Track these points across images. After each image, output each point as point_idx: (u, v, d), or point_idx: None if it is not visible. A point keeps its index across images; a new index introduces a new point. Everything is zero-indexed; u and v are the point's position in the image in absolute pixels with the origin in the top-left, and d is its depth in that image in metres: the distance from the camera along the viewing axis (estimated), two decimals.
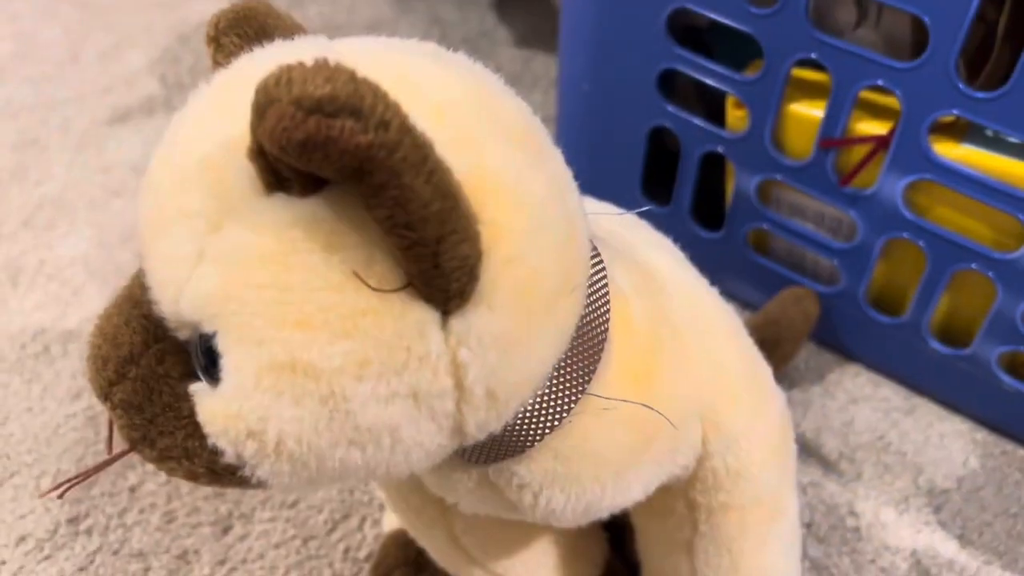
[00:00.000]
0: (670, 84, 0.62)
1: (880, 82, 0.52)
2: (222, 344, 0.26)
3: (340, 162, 0.23)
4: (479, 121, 0.28)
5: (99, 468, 0.30)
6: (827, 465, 0.58)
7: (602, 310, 0.33)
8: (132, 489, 0.52)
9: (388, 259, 0.25)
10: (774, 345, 0.60)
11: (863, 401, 0.62)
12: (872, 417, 0.61)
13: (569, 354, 0.31)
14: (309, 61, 0.23)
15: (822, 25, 0.54)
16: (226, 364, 0.26)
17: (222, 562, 0.50)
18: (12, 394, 0.57)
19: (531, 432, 0.31)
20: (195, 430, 0.28)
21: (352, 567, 0.50)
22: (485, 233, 0.26)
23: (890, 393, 0.63)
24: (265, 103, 0.23)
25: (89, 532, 0.50)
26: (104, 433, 0.54)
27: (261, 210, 0.26)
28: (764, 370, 0.39)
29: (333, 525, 0.52)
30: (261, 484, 0.29)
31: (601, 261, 0.34)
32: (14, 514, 0.51)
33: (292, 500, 0.53)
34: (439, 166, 0.24)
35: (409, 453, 0.28)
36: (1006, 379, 0.57)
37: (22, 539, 0.50)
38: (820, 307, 0.61)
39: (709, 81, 0.58)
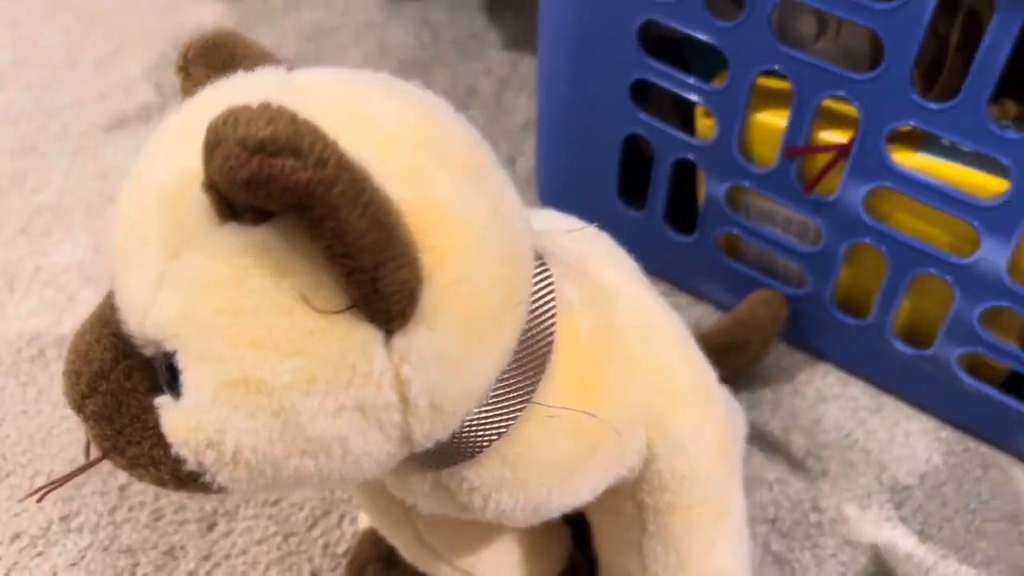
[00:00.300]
0: (646, 92, 0.64)
1: (840, 93, 0.53)
2: (182, 362, 0.29)
3: (282, 198, 0.25)
4: (426, 152, 0.30)
5: (74, 474, 0.33)
6: (794, 462, 0.60)
7: (547, 323, 0.34)
8: (121, 488, 0.55)
9: (333, 283, 0.27)
10: (743, 345, 0.62)
11: (832, 400, 0.64)
12: (840, 416, 0.63)
13: (513, 365, 0.33)
14: (255, 103, 0.25)
15: (784, 37, 0.55)
16: (186, 380, 0.29)
17: (207, 557, 0.52)
18: (8, 397, 0.60)
19: (478, 440, 0.34)
20: (160, 440, 0.30)
21: (331, 562, 0.52)
22: (427, 259, 0.28)
23: (858, 392, 0.65)
24: (214, 143, 0.25)
25: (80, 529, 0.53)
26: None
27: (216, 238, 0.28)
28: (710, 377, 0.41)
29: (313, 522, 0.54)
30: (222, 490, 0.31)
31: (549, 276, 0.35)
32: (9, 512, 0.53)
33: (274, 499, 0.55)
34: (376, 198, 0.26)
35: (359, 461, 0.31)
36: (966, 379, 0.59)
37: (16, 536, 0.52)
38: (789, 309, 0.63)
39: (678, 91, 0.60)
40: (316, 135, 0.25)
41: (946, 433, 0.62)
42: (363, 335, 0.28)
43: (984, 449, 0.62)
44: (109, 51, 0.92)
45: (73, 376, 0.31)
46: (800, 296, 0.63)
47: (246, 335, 0.28)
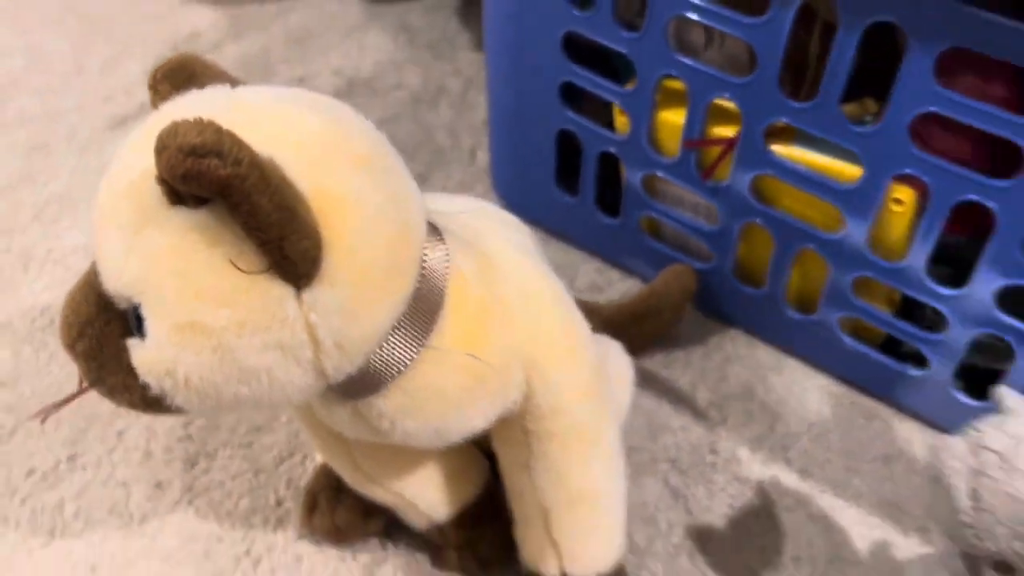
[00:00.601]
0: (580, 93, 0.73)
1: (726, 95, 0.62)
2: (145, 312, 0.38)
3: (209, 188, 0.35)
4: (330, 152, 0.39)
5: (69, 400, 0.43)
6: (697, 413, 0.69)
7: (439, 285, 0.44)
8: (120, 433, 0.65)
9: (253, 251, 0.37)
10: (657, 313, 0.71)
11: (737, 361, 0.73)
12: (743, 373, 0.72)
13: (408, 316, 0.42)
14: (192, 118, 0.35)
15: (680, 46, 0.64)
16: (148, 326, 0.38)
17: (189, 489, 0.62)
18: (24, 361, 0.70)
19: (382, 375, 0.43)
20: (131, 372, 0.40)
21: (293, 493, 0.62)
22: (327, 234, 0.38)
23: (763, 355, 0.74)
24: (160, 148, 0.35)
25: (84, 467, 0.63)
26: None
27: (168, 218, 0.37)
28: (582, 331, 0.50)
29: (280, 461, 0.64)
30: (180, 410, 0.41)
31: (445, 248, 0.45)
32: (24, 452, 0.64)
33: (248, 441, 0.65)
34: (280, 187, 0.36)
35: (284, 388, 0.40)
36: (848, 341, 0.68)
37: (31, 472, 0.63)
38: (699, 281, 0.72)
39: (597, 92, 0.69)
40: (234, 141, 0.35)
41: (837, 389, 0.71)
42: (279, 291, 0.38)
43: (869, 402, 0.71)
44: (111, 56, 1.02)
45: (66, 326, 0.41)
46: (708, 269, 0.72)
47: (191, 290, 0.37)
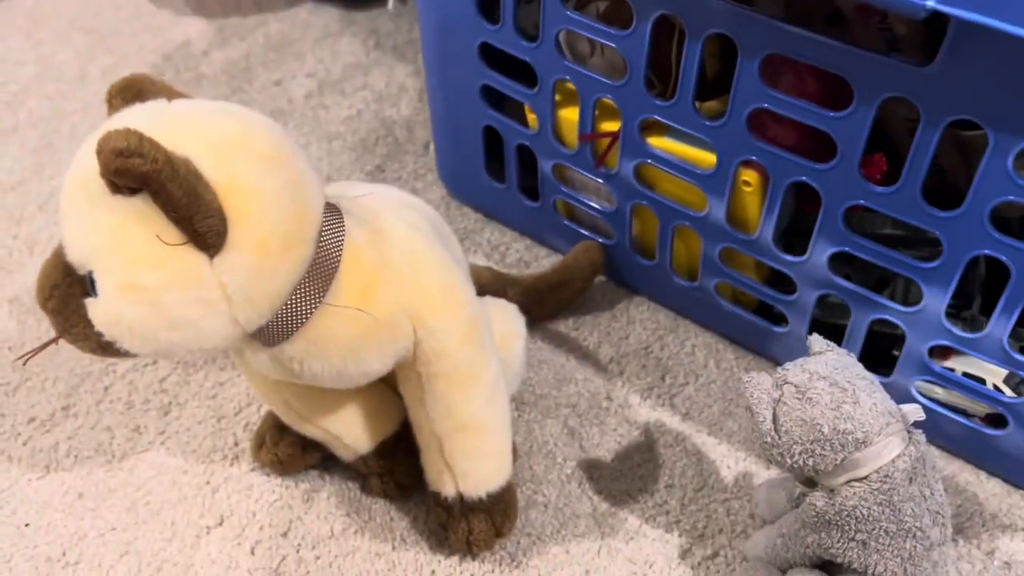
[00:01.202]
0: (503, 94, 0.84)
1: (608, 96, 0.74)
2: (96, 276, 0.50)
3: (134, 180, 0.47)
4: (237, 151, 0.51)
5: (45, 346, 0.55)
6: (599, 367, 0.80)
7: (335, 254, 0.56)
8: (106, 388, 0.77)
9: (173, 228, 0.49)
10: (569, 283, 0.83)
11: (640, 323, 0.84)
12: (643, 334, 0.83)
13: (308, 278, 0.54)
14: (121, 128, 0.47)
15: (572, 55, 0.76)
16: (99, 287, 0.50)
17: (162, 432, 0.74)
18: (28, 329, 0.82)
19: (288, 326, 0.55)
20: (89, 323, 0.52)
21: (249, 435, 0.74)
22: (231, 213, 0.50)
23: (663, 318, 0.85)
24: (99, 150, 0.47)
25: (76, 415, 0.76)
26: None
27: (111, 203, 0.49)
28: (460, 289, 0.60)
29: (239, 409, 0.76)
30: (129, 353, 0.53)
31: (341, 223, 0.56)
32: (27, 403, 0.76)
33: (214, 393, 0.77)
34: (188, 178, 0.47)
35: (208, 335, 0.52)
36: (724, 304, 0.79)
37: (31, 419, 0.75)
38: (605, 255, 0.84)
39: (509, 94, 0.80)
40: (152, 144, 0.47)
41: (723, 346, 0.82)
42: (196, 258, 0.50)
43: (749, 357, 0.82)
44: (112, 65, 1.15)
45: (40, 288, 0.53)
46: (612, 245, 0.84)
47: (128, 258, 0.49)
